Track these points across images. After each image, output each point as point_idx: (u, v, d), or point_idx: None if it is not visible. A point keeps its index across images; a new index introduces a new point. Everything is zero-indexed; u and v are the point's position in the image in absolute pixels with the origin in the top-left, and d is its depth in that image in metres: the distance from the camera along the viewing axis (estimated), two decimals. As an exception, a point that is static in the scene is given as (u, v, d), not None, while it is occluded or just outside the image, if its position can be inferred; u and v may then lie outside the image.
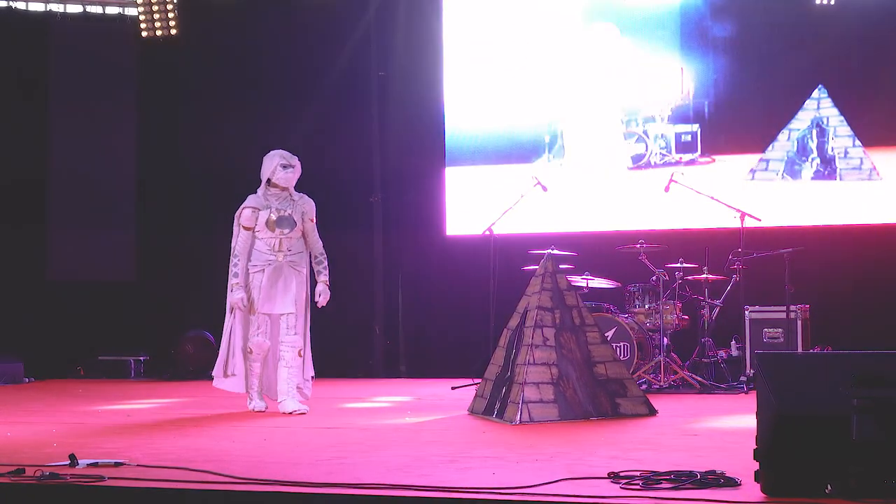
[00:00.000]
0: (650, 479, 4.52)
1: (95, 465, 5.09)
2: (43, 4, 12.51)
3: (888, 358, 4.38)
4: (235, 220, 8.12)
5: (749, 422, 4.61)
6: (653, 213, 10.99)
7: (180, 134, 12.38)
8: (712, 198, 9.81)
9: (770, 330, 9.76)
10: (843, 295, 10.31)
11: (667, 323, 9.61)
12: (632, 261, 9.95)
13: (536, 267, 7.80)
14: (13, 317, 11.77)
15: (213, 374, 8.16)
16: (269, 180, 8.13)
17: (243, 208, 8.05)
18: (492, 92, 11.72)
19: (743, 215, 9.48)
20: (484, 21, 11.86)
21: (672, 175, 10.12)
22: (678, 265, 9.73)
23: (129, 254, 12.44)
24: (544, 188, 9.97)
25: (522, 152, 11.54)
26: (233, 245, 8.08)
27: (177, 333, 11.60)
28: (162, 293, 12.14)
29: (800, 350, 9.43)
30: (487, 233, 9.72)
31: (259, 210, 8.02)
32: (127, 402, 9.00)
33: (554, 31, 11.62)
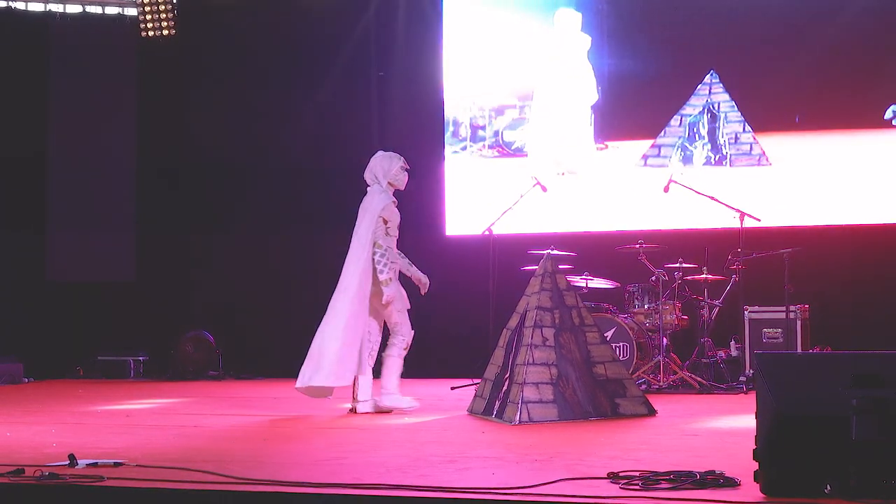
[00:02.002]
0: (650, 480, 4.52)
1: (95, 465, 5.09)
2: (43, 4, 12.51)
3: (888, 358, 4.38)
4: (380, 216, 8.01)
5: (748, 422, 4.61)
6: (652, 213, 10.99)
7: (180, 134, 12.38)
8: (712, 198, 9.81)
9: (769, 330, 9.76)
10: (843, 295, 10.31)
11: (666, 323, 9.61)
12: (631, 261, 9.95)
13: (536, 267, 7.80)
14: (13, 317, 11.77)
15: (339, 375, 8.04)
16: (391, 184, 8.06)
17: (390, 203, 8.01)
18: (492, 92, 11.75)
19: (742, 215, 9.48)
20: (484, 20, 11.86)
21: (671, 175, 10.12)
22: (678, 265, 9.73)
23: (129, 254, 12.44)
24: (544, 188, 9.97)
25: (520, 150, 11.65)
26: (380, 241, 8.03)
27: (176, 333, 11.60)
28: (162, 293, 12.14)
29: (799, 350, 9.42)
30: (487, 233, 9.72)
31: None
32: (127, 402, 9.00)
33: (553, 28, 11.65)
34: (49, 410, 8.36)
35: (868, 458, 4.07)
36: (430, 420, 7.52)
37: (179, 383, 10.88)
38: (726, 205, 9.64)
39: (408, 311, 8.23)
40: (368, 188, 8.25)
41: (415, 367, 11.54)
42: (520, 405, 6.94)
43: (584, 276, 9.83)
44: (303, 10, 12.14)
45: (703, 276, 9.77)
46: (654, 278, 9.71)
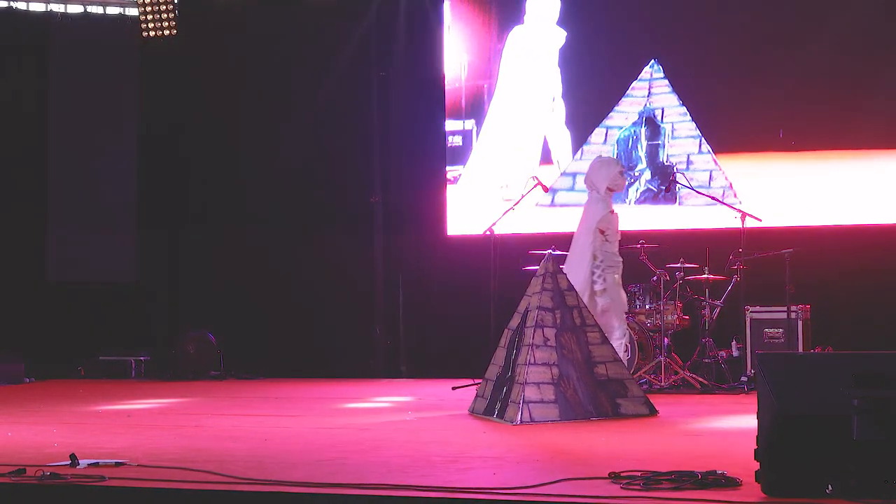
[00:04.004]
0: (651, 480, 4.52)
1: (96, 465, 5.09)
2: (43, 4, 12.51)
3: (888, 358, 4.38)
4: (598, 227, 8.10)
5: (749, 422, 4.61)
6: (653, 213, 10.97)
7: (180, 134, 12.38)
8: (712, 198, 9.81)
9: (771, 330, 9.75)
10: (844, 295, 10.30)
11: (667, 323, 9.61)
12: (632, 261, 9.94)
13: (537, 267, 7.80)
14: (13, 317, 11.77)
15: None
16: (610, 189, 8.14)
17: (608, 213, 8.06)
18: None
19: (744, 215, 9.47)
20: (484, 20, 11.85)
21: (673, 175, 10.11)
22: (679, 265, 9.72)
23: (129, 254, 12.44)
24: (545, 188, 9.95)
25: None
26: (597, 253, 8.16)
27: (178, 333, 11.60)
28: (162, 293, 12.15)
29: (800, 350, 9.42)
30: (488, 233, 9.72)
31: (615, 214, 8.20)
32: (128, 402, 9.00)
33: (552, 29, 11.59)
34: (50, 410, 8.36)
35: (869, 458, 4.07)
36: (432, 420, 7.52)
37: (181, 383, 10.88)
38: (728, 205, 9.64)
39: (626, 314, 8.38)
40: (588, 194, 8.30)
41: (415, 368, 11.61)
42: (521, 405, 6.93)
43: (584, 276, 9.81)
44: (303, 10, 12.14)
45: (705, 276, 9.76)
46: (655, 278, 9.71)
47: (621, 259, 8.48)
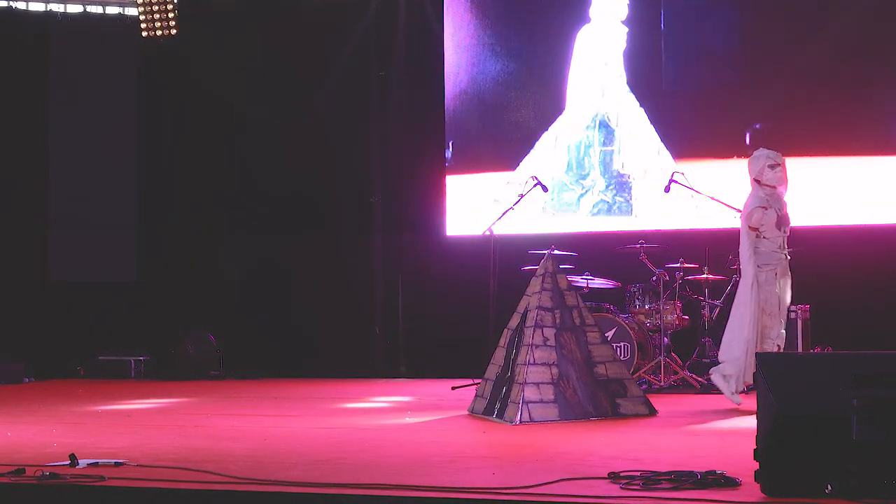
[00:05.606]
0: (650, 479, 4.52)
1: (96, 465, 5.09)
2: (43, 4, 12.50)
3: (888, 358, 4.38)
4: (743, 221, 7.95)
5: (749, 422, 4.62)
6: (653, 213, 10.97)
7: (180, 134, 12.38)
8: (712, 198, 9.80)
9: (771, 330, 9.73)
10: (844, 295, 10.29)
11: (667, 323, 9.61)
12: (632, 261, 9.94)
13: (536, 267, 7.80)
14: (13, 317, 11.77)
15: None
16: (757, 181, 7.97)
17: (754, 209, 7.89)
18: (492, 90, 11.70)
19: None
20: (484, 19, 11.84)
21: (672, 175, 10.10)
22: (678, 265, 9.72)
23: (130, 254, 12.44)
24: (544, 188, 9.94)
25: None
26: (757, 246, 7.94)
27: (177, 333, 11.60)
28: (162, 293, 12.14)
29: (800, 350, 9.41)
30: (487, 233, 9.71)
31: (766, 209, 7.90)
32: (128, 401, 9.00)
33: (552, 30, 11.59)
34: (50, 410, 8.36)
35: (869, 458, 4.07)
36: (431, 420, 7.52)
37: (180, 383, 10.88)
38: (727, 205, 9.62)
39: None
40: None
41: (415, 368, 11.60)
42: (520, 405, 6.93)
43: (584, 276, 9.82)
44: (303, 11, 12.14)
45: (704, 276, 9.76)
46: (654, 278, 9.71)
47: (783, 255, 8.01)
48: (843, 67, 10.66)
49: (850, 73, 10.70)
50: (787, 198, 8.20)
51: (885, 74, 10.63)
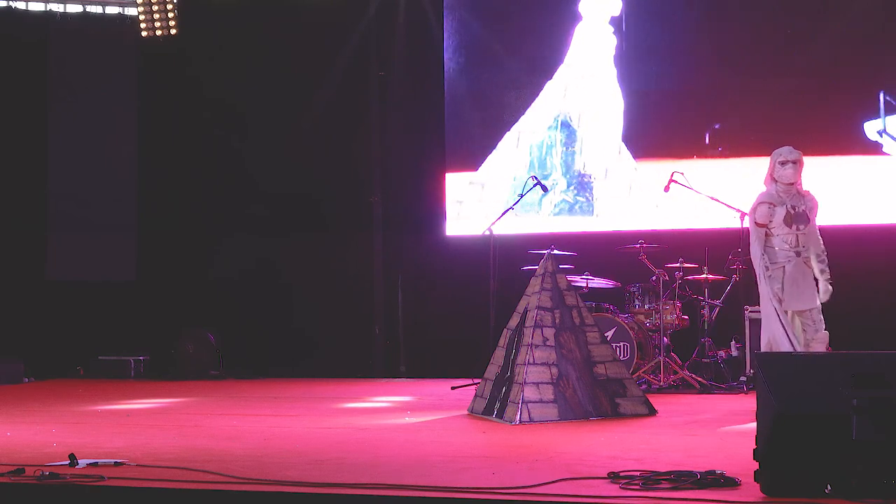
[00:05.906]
0: (650, 479, 4.52)
1: (95, 465, 5.09)
2: (43, 4, 12.50)
3: (888, 358, 4.38)
4: (749, 218, 7.82)
5: (749, 422, 4.62)
6: (653, 213, 10.97)
7: (180, 134, 12.38)
8: (712, 198, 9.80)
9: (770, 330, 9.73)
10: (843, 295, 10.26)
11: (667, 323, 9.61)
12: (632, 261, 9.95)
13: (536, 267, 7.80)
14: (13, 317, 11.77)
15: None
16: (773, 178, 7.92)
17: (758, 204, 7.78)
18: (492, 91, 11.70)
19: (743, 215, 9.45)
20: (484, 19, 11.84)
21: (672, 175, 10.10)
22: (678, 265, 9.72)
23: (130, 254, 12.43)
24: (544, 188, 9.94)
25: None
26: (752, 245, 7.77)
27: (177, 333, 11.60)
28: (162, 293, 12.14)
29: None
30: (487, 233, 9.71)
31: (774, 206, 7.82)
32: (127, 401, 9.00)
33: (552, 30, 11.59)
34: (49, 410, 8.36)
35: (868, 458, 4.07)
36: (431, 420, 7.52)
37: (180, 383, 10.88)
38: (727, 205, 9.63)
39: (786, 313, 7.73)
40: None
41: (415, 368, 11.61)
42: (520, 405, 6.93)
43: (584, 276, 9.82)
44: (303, 11, 12.14)
45: (704, 275, 9.76)
46: (654, 278, 9.71)
47: (793, 253, 7.79)
48: (840, 65, 10.69)
49: (847, 70, 10.73)
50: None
51: (874, 72, 10.65)
